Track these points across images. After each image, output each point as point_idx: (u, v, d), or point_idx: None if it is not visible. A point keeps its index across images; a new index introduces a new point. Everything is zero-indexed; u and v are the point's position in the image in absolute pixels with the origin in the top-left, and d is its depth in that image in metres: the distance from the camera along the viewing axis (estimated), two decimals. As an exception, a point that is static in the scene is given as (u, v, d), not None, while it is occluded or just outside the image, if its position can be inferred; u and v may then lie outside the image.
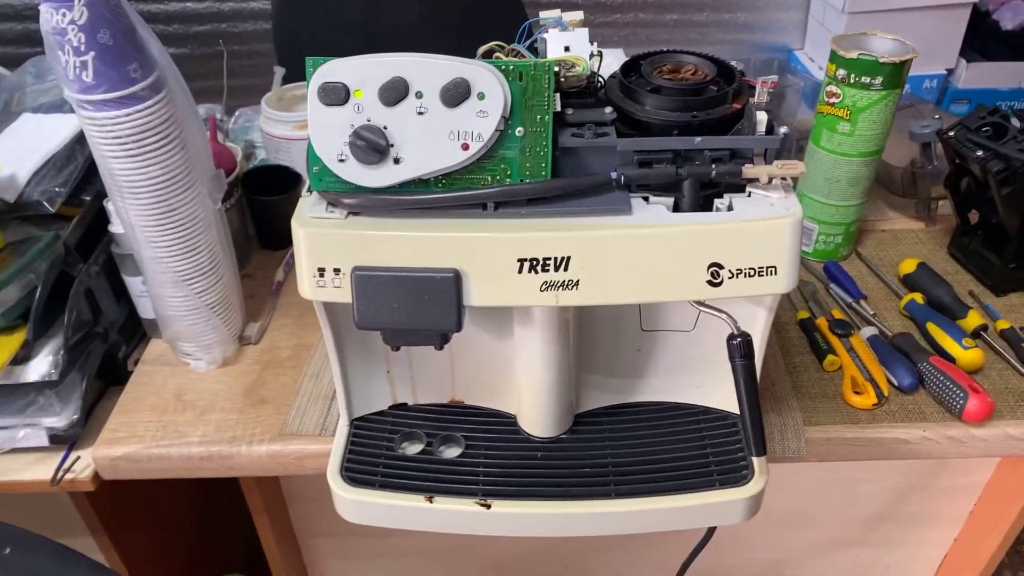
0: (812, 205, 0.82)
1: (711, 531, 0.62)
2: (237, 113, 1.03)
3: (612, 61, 0.57)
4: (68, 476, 0.65)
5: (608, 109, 0.52)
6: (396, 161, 0.49)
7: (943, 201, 0.88)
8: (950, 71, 1.81)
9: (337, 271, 0.49)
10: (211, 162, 0.68)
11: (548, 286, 0.49)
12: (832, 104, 0.76)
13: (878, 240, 0.89)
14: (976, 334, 0.74)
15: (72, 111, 0.75)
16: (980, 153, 0.72)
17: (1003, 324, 0.75)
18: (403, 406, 0.63)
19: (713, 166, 0.49)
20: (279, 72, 0.96)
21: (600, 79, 0.54)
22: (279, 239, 0.87)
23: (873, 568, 1.01)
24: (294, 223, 0.50)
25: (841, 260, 0.85)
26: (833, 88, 0.76)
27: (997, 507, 0.89)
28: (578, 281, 0.49)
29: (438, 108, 0.48)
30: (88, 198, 0.71)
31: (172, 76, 0.61)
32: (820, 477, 0.87)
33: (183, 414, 0.68)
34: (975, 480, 0.90)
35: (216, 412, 0.68)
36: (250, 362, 0.73)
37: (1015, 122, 0.74)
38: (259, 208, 0.85)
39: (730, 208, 0.50)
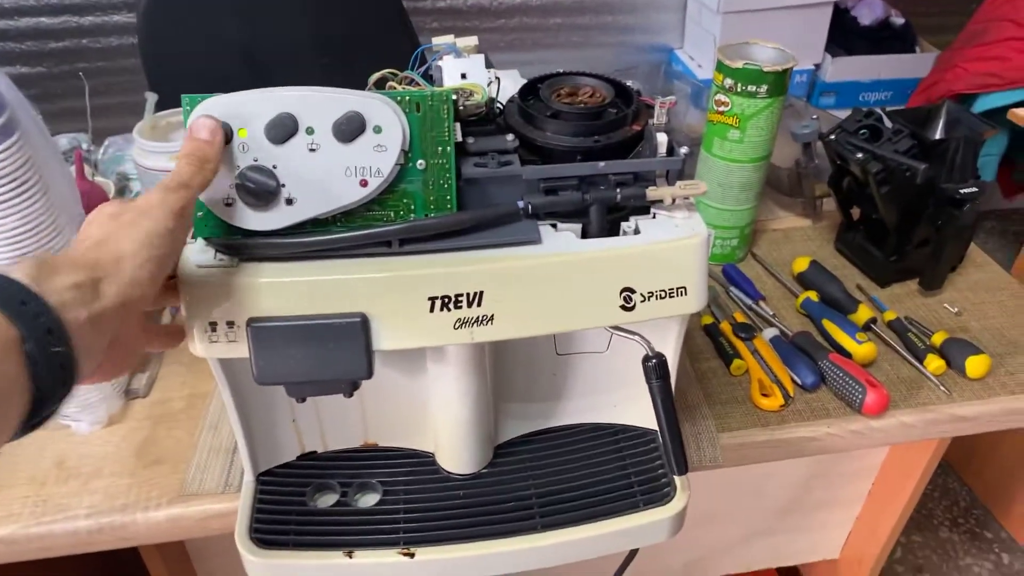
0: (708, 211, 0.84)
1: (631, 555, 0.61)
2: (107, 143, 0.95)
3: (509, 83, 0.55)
4: (-68, 567, 0.58)
5: (510, 136, 0.50)
6: (289, 202, 0.46)
7: (827, 198, 0.92)
8: (817, 66, 1.92)
9: (231, 324, 0.46)
10: (79, 205, 0.62)
11: (462, 323, 0.47)
12: (722, 112, 0.78)
13: (770, 240, 0.92)
14: (867, 327, 0.77)
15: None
16: (860, 155, 0.76)
17: (890, 315, 0.79)
18: (312, 455, 0.59)
19: (618, 190, 0.49)
20: (151, 98, 0.89)
21: (499, 105, 0.52)
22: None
23: (785, 553, 1.05)
24: (179, 274, 0.46)
25: (738, 262, 0.88)
26: (722, 97, 0.78)
27: (893, 484, 0.94)
28: (492, 316, 0.47)
29: (332, 144, 0.45)
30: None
31: (26, 115, 0.55)
32: (729, 477, 0.89)
33: (66, 484, 0.62)
34: (871, 463, 0.95)
35: (104, 478, 0.62)
36: (140, 418, 0.68)
37: (888, 124, 0.78)
38: (137, 246, 0.78)
39: (637, 231, 0.49)
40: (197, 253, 0.47)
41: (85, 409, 0.65)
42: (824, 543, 1.05)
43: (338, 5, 1.00)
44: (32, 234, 0.55)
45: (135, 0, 1.51)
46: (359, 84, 0.50)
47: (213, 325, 0.46)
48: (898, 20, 1.93)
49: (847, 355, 0.73)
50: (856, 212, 0.87)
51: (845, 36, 1.92)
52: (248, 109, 0.44)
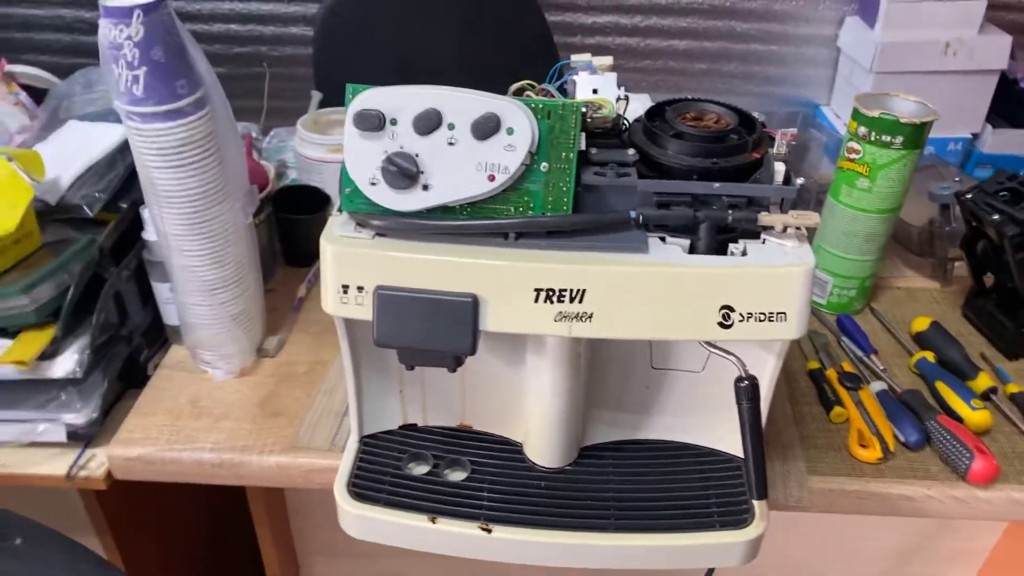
0: (828, 258, 0.84)
1: (709, 573, 0.62)
2: (272, 133, 1.07)
3: (638, 106, 0.59)
4: (82, 473, 0.67)
5: (631, 151, 0.53)
6: (425, 188, 0.51)
7: (959, 262, 0.89)
8: (975, 135, 1.82)
9: (360, 289, 0.51)
10: (246, 178, 0.71)
11: (562, 317, 0.50)
12: (852, 160, 0.78)
13: (893, 297, 0.89)
14: (986, 396, 0.74)
15: (116, 121, 0.79)
16: (996, 217, 0.73)
17: (1013, 388, 0.75)
18: (413, 427, 0.64)
19: (730, 211, 0.51)
20: (316, 96, 0.99)
21: (625, 122, 0.56)
22: (304, 257, 0.89)
23: (874, 629, 0.99)
24: (323, 240, 0.52)
25: (854, 314, 0.86)
26: (854, 144, 0.78)
27: (1003, 573, 0.88)
28: (592, 314, 0.50)
29: (468, 140, 0.50)
30: (125, 205, 0.74)
31: (216, 94, 0.64)
32: (821, 532, 0.86)
33: (198, 420, 0.70)
34: (981, 545, 0.89)
35: (230, 420, 0.70)
36: (267, 374, 0.75)
37: (1033, 188, 0.75)
38: (287, 226, 0.87)
39: (744, 253, 0.51)
40: (341, 224, 0.53)
41: (222, 359, 0.73)
42: (919, 626, 0.99)
43: (486, 32, 1.08)
44: (206, 195, 0.64)
45: (313, 15, 1.67)
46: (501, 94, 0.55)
47: (345, 288, 0.52)
48: (1072, 95, 1.81)
49: (958, 420, 0.71)
50: (989, 278, 0.84)
51: (1011, 107, 1.82)
52: (401, 101, 0.50)
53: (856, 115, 0.77)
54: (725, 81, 2.01)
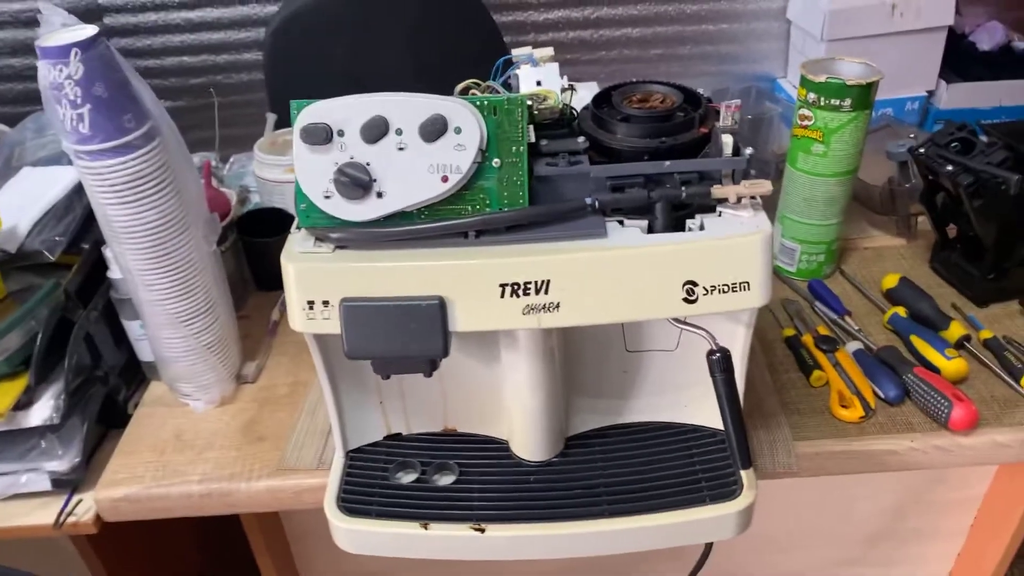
0: (793, 225, 0.84)
1: (707, 550, 0.62)
2: (232, 159, 1.06)
3: (586, 94, 0.59)
4: (70, 519, 0.66)
5: (581, 138, 0.54)
6: (379, 195, 0.51)
7: (922, 217, 0.90)
8: (931, 93, 1.85)
9: (326, 303, 0.51)
10: (205, 206, 0.70)
11: (530, 309, 0.51)
12: (805, 127, 0.79)
13: (861, 258, 0.90)
14: (960, 345, 0.75)
15: (70, 163, 0.78)
16: (950, 168, 0.74)
17: (986, 334, 0.76)
18: (397, 436, 0.64)
19: (683, 188, 0.51)
20: (271, 118, 0.99)
21: (573, 111, 0.56)
22: (274, 280, 0.87)
23: (878, 586, 1.00)
24: (283, 258, 0.52)
25: (825, 278, 0.87)
26: (805, 111, 0.79)
27: (998, 518, 0.89)
28: (559, 303, 0.50)
29: (418, 144, 0.50)
30: (87, 246, 0.73)
31: (165, 125, 0.64)
32: (814, 496, 0.87)
33: (182, 453, 0.69)
34: (973, 493, 0.90)
35: (215, 450, 0.69)
36: (248, 400, 0.75)
37: (983, 137, 0.76)
38: (253, 250, 0.87)
39: (702, 228, 0.51)
40: (300, 241, 0.53)
41: (201, 389, 0.73)
42: (922, 579, 1.00)
43: (436, 39, 1.08)
44: (165, 227, 0.64)
45: (263, 40, 1.67)
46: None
47: (311, 304, 0.52)
48: (1020, 44, 1.84)
49: (935, 371, 0.72)
50: (952, 230, 0.85)
51: (962, 62, 1.85)
52: (346, 113, 0.50)
53: (804, 82, 0.78)
54: (681, 64, 2.02)
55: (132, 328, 0.74)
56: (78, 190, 0.75)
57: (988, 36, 1.87)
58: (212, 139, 1.09)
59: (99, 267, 0.72)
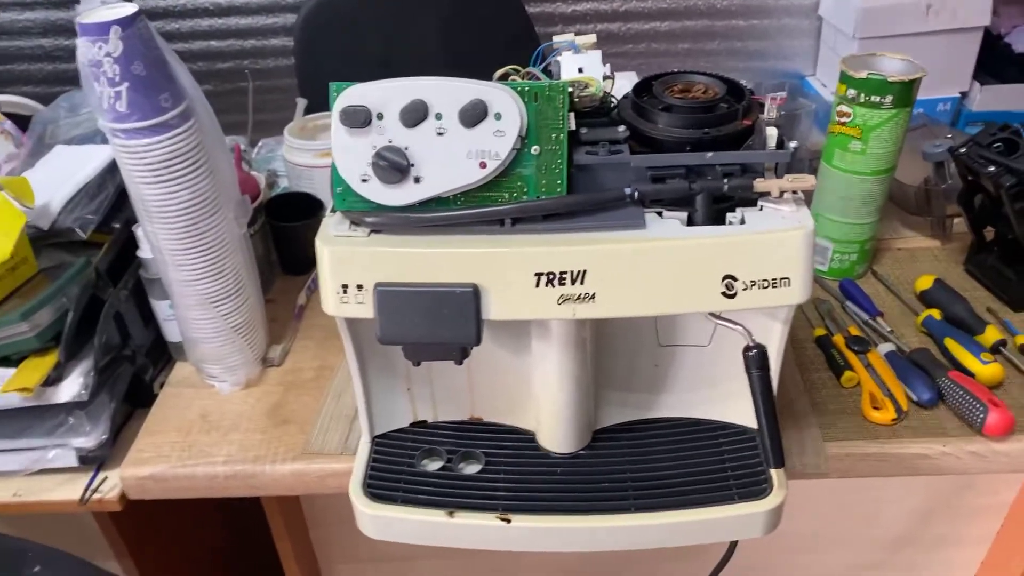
0: (826, 224, 0.83)
1: (732, 548, 0.62)
2: (260, 144, 1.06)
3: (625, 83, 0.58)
4: (96, 496, 0.67)
5: (621, 127, 0.53)
6: (416, 180, 0.50)
7: (958, 219, 0.89)
8: (963, 94, 1.82)
9: (360, 287, 0.51)
10: (237, 188, 0.70)
11: (565, 299, 0.50)
12: (843, 123, 0.78)
13: (894, 258, 0.89)
14: (995, 349, 0.73)
15: (103, 142, 0.79)
16: (992, 169, 0.73)
17: (1022, 339, 0.75)
18: (423, 423, 0.64)
19: (725, 180, 0.50)
20: (301, 103, 0.99)
21: (613, 99, 0.56)
22: (301, 264, 0.89)
23: (899, 592, 0.99)
24: (318, 241, 0.51)
25: (857, 278, 0.86)
26: (844, 108, 0.77)
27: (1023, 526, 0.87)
28: (594, 294, 0.50)
29: (457, 128, 0.49)
30: (118, 225, 0.74)
31: (201, 105, 0.64)
32: (840, 498, 0.86)
33: (208, 435, 0.69)
34: (1000, 500, 0.89)
35: (240, 432, 0.69)
36: (273, 383, 0.75)
37: (1026, 138, 0.75)
38: (281, 234, 0.87)
39: (743, 222, 0.51)
40: (335, 224, 0.52)
41: (227, 371, 0.73)
42: (944, 586, 0.98)
43: (468, 27, 1.08)
44: (198, 207, 0.64)
45: (292, 25, 1.67)
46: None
47: (344, 288, 0.51)
48: (1057, 46, 1.81)
49: (969, 375, 0.70)
50: (989, 232, 0.83)
51: (997, 64, 1.81)
52: (386, 96, 0.50)
53: (844, 78, 0.77)
54: (709, 59, 2.00)
55: (161, 308, 0.74)
56: (111, 169, 0.75)
57: (1024, 38, 1.83)
58: (239, 125, 1.09)
59: (130, 246, 0.72)
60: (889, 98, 0.74)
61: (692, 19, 1.92)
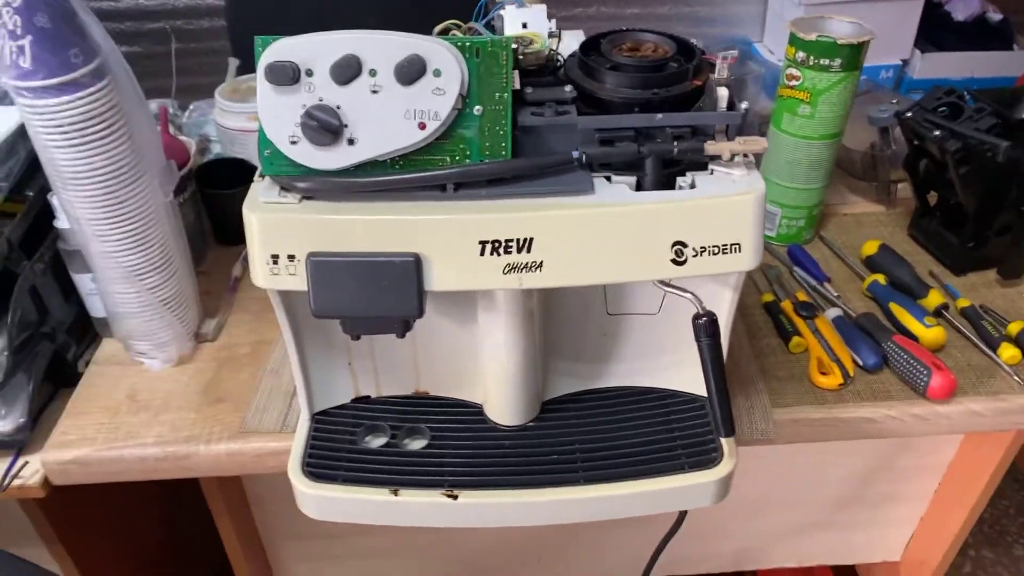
0: (775, 189, 0.83)
1: (682, 516, 0.61)
2: (191, 107, 1.00)
3: (572, 42, 0.56)
4: (16, 482, 0.63)
5: (568, 87, 0.51)
6: (350, 142, 0.47)
7: (903, 184, 0.89)
8: (905, 62, 1.84)
9: (292, 258, 0.48)
10: (161, 153, 0.66)
11: (511, 268, 0.48)
12: (792, 87, 0.77)
13: (840, 224, 0.89)
14: (938, 313, 0.74)
15: (11, 103, 0.73)
16: (937, 133, 0.73)
17: (963, 302, 0.76)
18: (366, 399, 0.61)
19: (675, 143, 0.48)
20: (233, 63, 0.94)
21: (560, 57, 0.53)
22: (236, 234, 0.83)
23: (843, 551, 1.02)
24: (245, 209, 0.48)
25: (805, 244, 0.85)
26: (793, 71, 0.76)
27: (961, 485, 0.90)
28: (541, 263, 0.48)
29: (393, 86, 0.46)
30: (31, 193, 0.68)
31: (116, 63, 0.59)
32: (787, 461, 0.87)
33: (137, 415, 0.66)
34: (940, 459, 0.91)
35: (172, 412, 0.66)
36: (207, 360, 0.71)
37: (970, 102, 0.75)
38: (214, 202, 0.82)
39: (693, 186, 0.49)
40: (264, 190, 0.49)
41: (157, 348, 0.69)
42: (885, 543, 1.01)
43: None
44: (116, 174, 0.59)
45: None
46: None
47: (275, 258, 0.48)
48: (995, 16, 1.84)
49: (914, 339, 0.71)
50: (933, 197, 0.84)
51: (937, 32, 1.84)
52: (315, 50, 0.46)
53: (793, 40, 0.75)
54: (659, 23, 1.98)
55: (82, 282, 0.69)
56: (22, 132, 0.69)
57: (963, 6, 1.86)
58: (170, 87, 1.02)
59: (46, 216, 0.67)
60: (838, 61, 0.73)
61: (642, -18, 1.89)
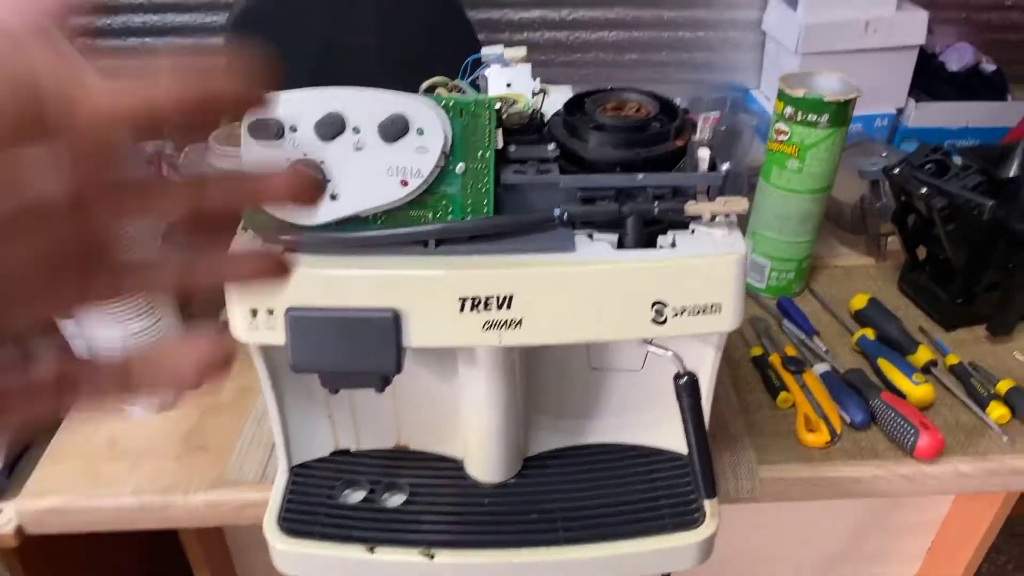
0: (764, 241, 0.83)
1: (665, 576, 0.60)
2: (186, 149, 1.01)
3: (559, 98, 0.56)
4: (-11, 530, 0.62)
5: (551, 146, 0.51)
6: (333, 197, 0.47)
7: (892, 237, 0.89)
8: (900, 110, 1.86)
9: (271, 312, 0.48)
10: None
11: (491, 325, 0.48)
12: (781, 141, 0.77)
13: (830, 276, 0.89)
14: (926, 369, 0.74)
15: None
16: (924, 190, 0.73)
17: (952, 359, 0.75)
18: (346, 452, 0.61)
19: (656, 203, 0.49)
20: (229, 108, 0.94)
21: (543, 116, 0.54)
22: (225, 278, 0.84)
23: (835, 608, 0.99)
24: (227, 262, 0.48)
25: (794, 296, 0.85)
26: (781, 126, 0.77)
27: (954, 543, 0.89)
28: (521, 320, 0.48)
29: (376, 143, 0.47)
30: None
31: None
32: (775, 518, 0.86)
33: (116, 463, 0.65)
34: (932, 516, 0.90)
35: (151, 459, 0.65)
36: (190, 406, 0.70)
37: (957, 160, 0.75)
38: (204, 246, 0.82)
39: (673, 245, 0.49)
40: (245, 243, 0.49)
41: (140, 394, 0.68)
42: (878, 601, 0.99)
43: (406, 31, 1.05)
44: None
45: (225, 23, 1.61)
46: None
47: (254, 312, 0.48)
48: (989, 67, 1.86)
49: (902, 396, 0.70)
50: (922, 252, 0.84)
51: (931, 82, 1.86)
52: (299, 107, 0.46)
53: (781, 95, 0.76)
54: (656, 70, 2.00)
55: (65, 325, 0.69)
56: None
57: (957, 57, 1.88)
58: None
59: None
60: (825, 117, 0.74)
61: (640, 30, 1.91)
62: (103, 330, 0.64)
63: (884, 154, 0.96)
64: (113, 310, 0.63)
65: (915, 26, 1.77)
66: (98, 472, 0.64)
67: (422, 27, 1.08)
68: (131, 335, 0.65)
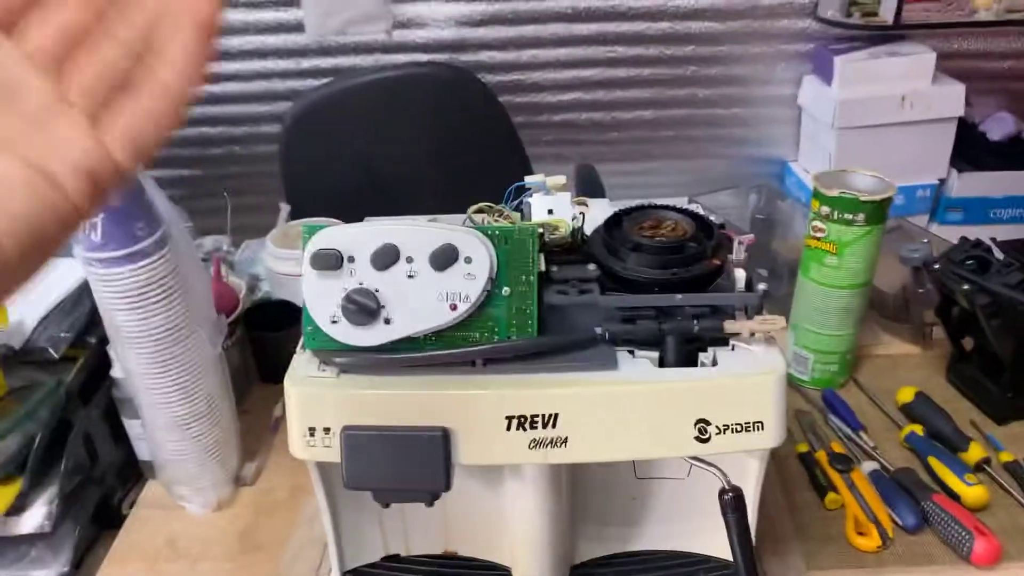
0: (806, 335, 0.83)
1: None
2: (243, 245, 1.06)
3: (598, 212, 0.59)
4: (54, 631, 0.64)
5: (591, 266, 0.53)
6: (387, 321, 0.50)
7: (938, 326, 0.89)
8: (942, 181, 1.86)
9: (327, 430, 0.50)
10: (212, 308, 0.70)
11: (536, 444, 0.49)
12: (818, 239, 0.78)
13: (875, 366, 0.89)
14: (979, 467, 0.72)
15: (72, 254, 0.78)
16: (966, 287, 0.73)
17: (1006, 456, 0.74)
18: (396, 557, 0.62)
19: (695, 322, 0.50)
20: (284, 209, 1.00)
21: (583, 234, 0.56)
22: (279, 373, 0.87)
23: None
24: (287, 382, 0.51)
25: (838, 388, 0.85)
26: (818, 224, 0.78)
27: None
28: (566, 438, 0.49)
29: (428, 271, 0.50)
30: (93, 340, 0.73)
31: (176, 229, 0.64)
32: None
33: (175, 563, 0.67)
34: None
35: (209, 560, 0.67)
36: (245, 505, 0.73)
37: (998, 254, 0.75)
38: (260, 343, 0.86)
39: (714, 362, 0.50)
40: (304, 363, 0.52)
41: (197, 492, 0.71)
42: None
43: (449, 128, 1.10)
44: (170, 333, 0.63)
45: (283, 112, 1.70)
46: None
47: (312, 430, 0.50)
48: (1030, 136, 1.86)
49: (955, 497, 0.69)
50: (968, 342, 0.83)
51: (973, 151, 1.86)
52: (357, 239, 0.50)
53: (816, 195, 0.78)
54: (693, 145, 2.04)
55: (133, 427, 0.73)
56: (86, 286, 0.75)
57: (998, 126, 1.88)
58: (222, 210, 1.07)
59: (103, 363, 0.71)
60: (861, 216, 0.75)
61: (675, 108, 1.96)
62: (165, 432, 0.67)
63: (925, 240, 0.96)
64: (175, 414, 0.66)
65: (952, 99, 1.78)
66: (159, 572, 0.66)
67: (463, 123, 1.13)
68: (191, 438, 0.68)
